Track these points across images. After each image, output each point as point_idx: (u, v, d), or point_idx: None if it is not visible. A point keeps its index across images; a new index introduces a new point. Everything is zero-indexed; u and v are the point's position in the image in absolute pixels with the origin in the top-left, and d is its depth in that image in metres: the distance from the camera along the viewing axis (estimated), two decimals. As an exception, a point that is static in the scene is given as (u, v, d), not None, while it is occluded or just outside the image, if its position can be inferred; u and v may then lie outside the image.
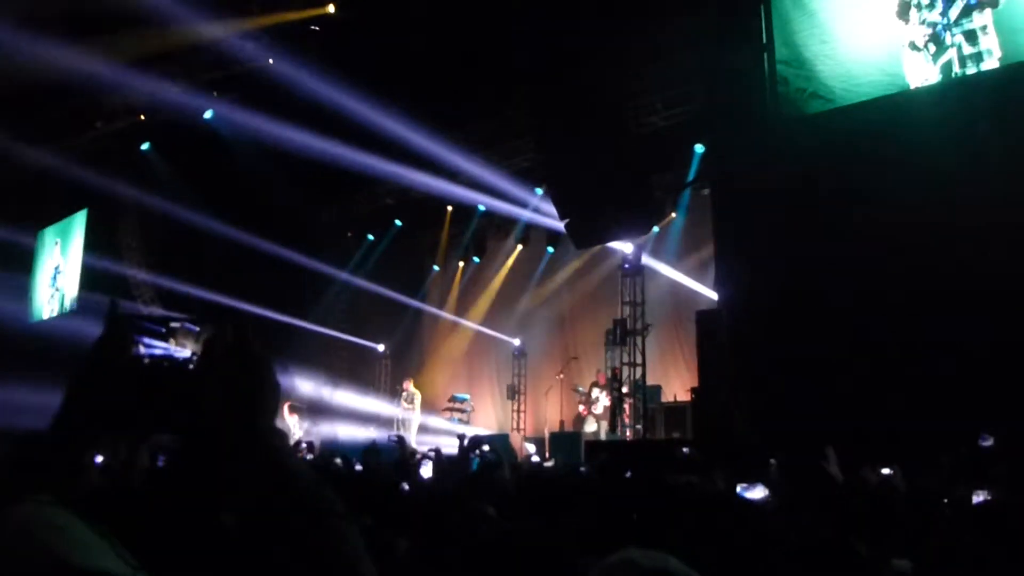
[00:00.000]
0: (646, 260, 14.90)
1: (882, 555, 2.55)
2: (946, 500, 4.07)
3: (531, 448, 15.80)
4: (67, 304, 18.37)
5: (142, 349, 1.52)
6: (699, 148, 14.34)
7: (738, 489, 3.60)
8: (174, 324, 1.62)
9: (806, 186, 9.10)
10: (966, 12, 8.48)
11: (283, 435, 1.34)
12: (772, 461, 4.97)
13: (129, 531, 1.09)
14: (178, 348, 1.54)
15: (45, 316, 19.16)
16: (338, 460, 6.70)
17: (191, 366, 1.47)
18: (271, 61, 14.25)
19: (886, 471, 4.19)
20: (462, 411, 17.27)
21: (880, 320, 8.27)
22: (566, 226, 14.68)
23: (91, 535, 0.98)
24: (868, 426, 7.65)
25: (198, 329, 1.61)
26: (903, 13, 8.97)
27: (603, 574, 1.31)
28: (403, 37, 13.12)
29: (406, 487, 4.50)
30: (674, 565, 1.28)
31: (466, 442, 6.52)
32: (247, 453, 1.30)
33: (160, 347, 1.55)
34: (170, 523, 1.31)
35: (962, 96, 8.51)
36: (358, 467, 7.30)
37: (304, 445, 11.74)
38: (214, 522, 1.32)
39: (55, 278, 19.12)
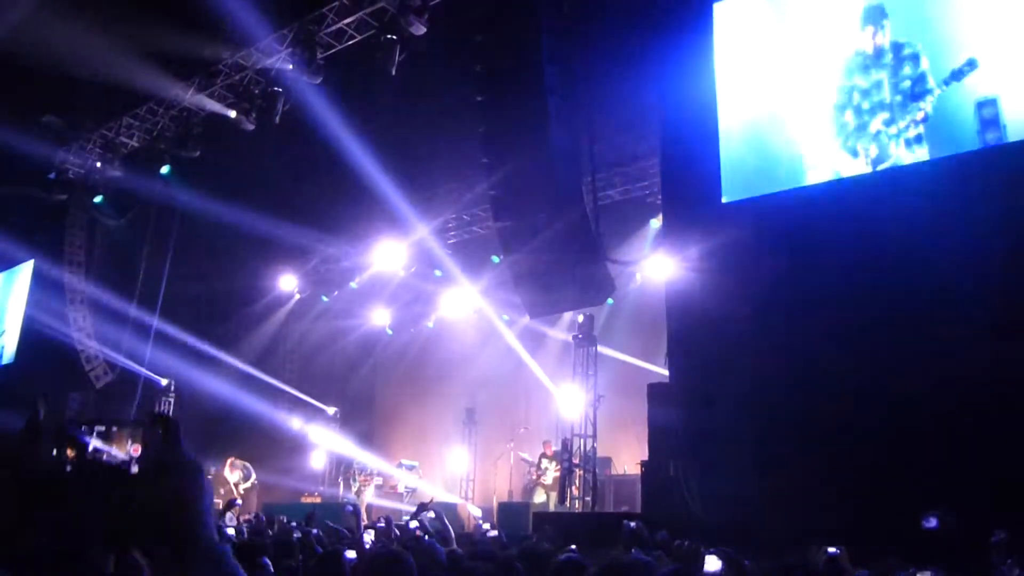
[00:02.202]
0: (599, 331, 14.97)
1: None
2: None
3: (477, 512, 15.58)
4: (4, 357, 17.87)
5: (90, 442, 1.54)
6: (654, 223, 14.60)
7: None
8: (99, 427, 1.64)
9: (757, 266, 9.29)
10: (911, 124, 8.84)
11: (222, 552, 1.32)
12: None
13: None
14: (116, 452, 1.56)
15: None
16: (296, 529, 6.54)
17: (132, 468, 1.48)
18: (232, 114, 14.27)
19: (832, 550, 4.18)
20: (410, 482, 17.00)
21: (829, 400, 8.37)
22: (520, 295, 14.74)
23: None
24: (814, 504, 7.69)
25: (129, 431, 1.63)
26: (838, 118, 9.34)
27: None
28: (364, 102, 13.27)
29: (351, 555, 4.38)
30: None
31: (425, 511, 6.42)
32: (193, 564, 1.28)
33: (102, 449, 1.57)
34: None
35: (905, 182, 8.80)
36: (297, 534, 7.13)
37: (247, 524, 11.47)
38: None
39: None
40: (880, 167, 8.94)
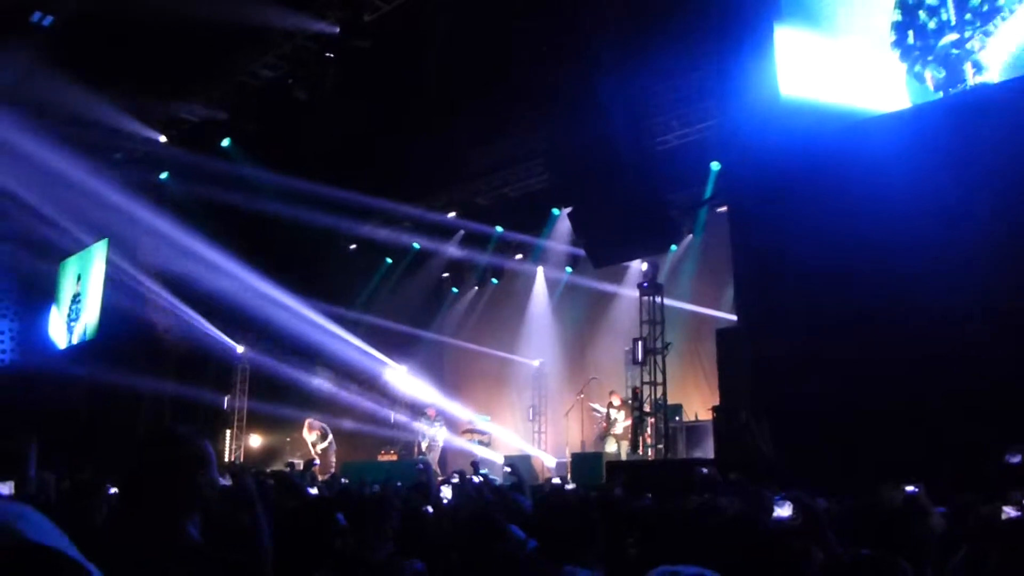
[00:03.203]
0: (664, 278, 14.87)
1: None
2: (974, 516, 4.01)
3: (551, 462, 15.76)
4: (88, 333, 18.53)
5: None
6: (715, 166, 14.34)
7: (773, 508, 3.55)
8: None
9: (822, 202, 9.05)
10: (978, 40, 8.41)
11: None
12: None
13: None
14: None
15: (63, 346, 19.32)
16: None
17: None
18: (290, 82, 14.36)
19: (911, 488, 4.12)
20: (483, 433, 17.23)
21: (904, 336, 8.19)
22: (584, 246, 14.70)
23: (50, 526, 1.06)
24: (890, 443, 7.57)
25: None
26: (900, 41, 8.93)
27: None
28: (414, 60, 13.22)
29: (429, 510, 4.49)
30: None
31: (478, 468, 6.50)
32: None
33: None
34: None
35: (970, 109, 8.43)
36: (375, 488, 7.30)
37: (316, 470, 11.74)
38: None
39: (74, 308, 19.29)
40: (948, 90, 8.58)
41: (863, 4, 9.48)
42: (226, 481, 3.53)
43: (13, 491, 5.84)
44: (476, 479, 7.40)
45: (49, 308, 20.00)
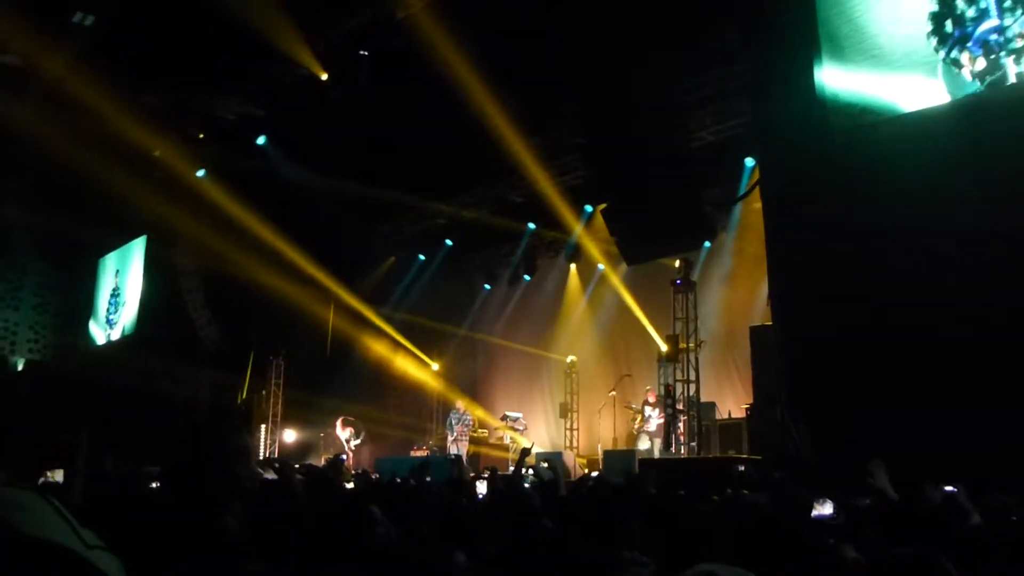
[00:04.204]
0: (697, 276, 14.80)
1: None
2: (1015, 517, 3.97)
3: (582, 460, 15.74)
4: (126, 328, 18.82)
5: None
6: (749, 162, 14.23)
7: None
8: None
9: (860, 199, 8.95)
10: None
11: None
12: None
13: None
14: None
15: (101, 342, 19.62)
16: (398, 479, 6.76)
17: None
18: (324, 77, 14.44)
19: (950, 489, 4.08)
20: (515, 429, 17.27)
21: (941, 334, 8.07)
22: (617, 243, 14.68)
23: (52, 514, 1.01)
24: (930, 443, 7.47)
25: None
26: (937, 30, 8.76)
27: None
28: (447, 56, 13.24)
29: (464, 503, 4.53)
30: None
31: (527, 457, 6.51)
32: None
33: None
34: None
35: (1012, 103, 8.27)
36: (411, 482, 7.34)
37: (348, 463, 11.82)
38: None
39: (112, 304, 19.61)
40: (985, 77, 8.41)
41: (905, 8, 9.32)
42: (269, 475, 3.59)
43: (62, 480, 5.95)
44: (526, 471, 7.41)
45: (89, 304, 20.34)
